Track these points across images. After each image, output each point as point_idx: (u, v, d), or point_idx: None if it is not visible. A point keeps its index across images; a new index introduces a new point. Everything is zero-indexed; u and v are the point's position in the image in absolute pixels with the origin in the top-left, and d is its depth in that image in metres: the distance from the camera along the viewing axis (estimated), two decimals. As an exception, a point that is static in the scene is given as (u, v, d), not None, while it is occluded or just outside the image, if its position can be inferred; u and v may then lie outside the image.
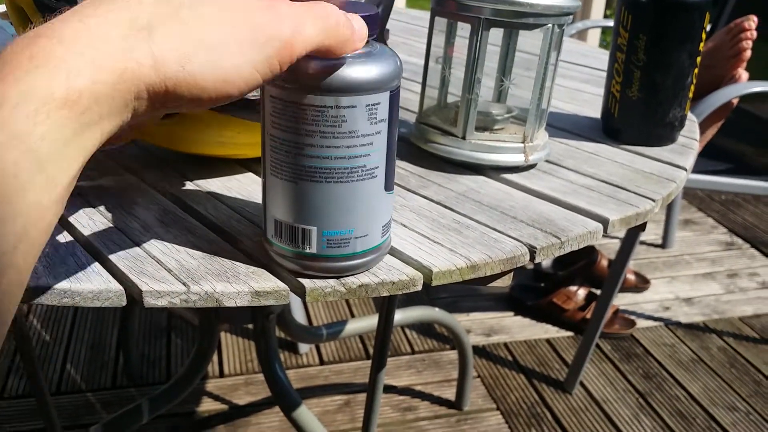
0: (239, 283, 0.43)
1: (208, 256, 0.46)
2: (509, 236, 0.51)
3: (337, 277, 0.45)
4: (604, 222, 0.54)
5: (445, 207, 0.56)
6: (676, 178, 0.64)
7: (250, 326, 1.75)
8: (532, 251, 0.50)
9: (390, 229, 0.47)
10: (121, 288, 0.42)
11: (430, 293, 1.93)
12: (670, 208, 2.20)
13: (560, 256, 2.06)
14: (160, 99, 0.30)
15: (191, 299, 0.42)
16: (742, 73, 1.39)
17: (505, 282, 0.51)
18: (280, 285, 0.44)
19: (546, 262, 2.07)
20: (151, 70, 0.29)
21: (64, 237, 0.48)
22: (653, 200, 0.59)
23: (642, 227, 0.59)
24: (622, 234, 1.82)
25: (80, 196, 0.55)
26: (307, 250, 0.44)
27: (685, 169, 0.66)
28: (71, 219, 0.51)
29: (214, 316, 1.03)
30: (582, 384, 1.60)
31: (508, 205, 0.57)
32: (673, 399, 1.56)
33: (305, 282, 0.44)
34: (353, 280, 0.45)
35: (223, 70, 0.31)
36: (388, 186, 0.44)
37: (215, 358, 1.64)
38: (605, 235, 0.54)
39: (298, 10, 0.33)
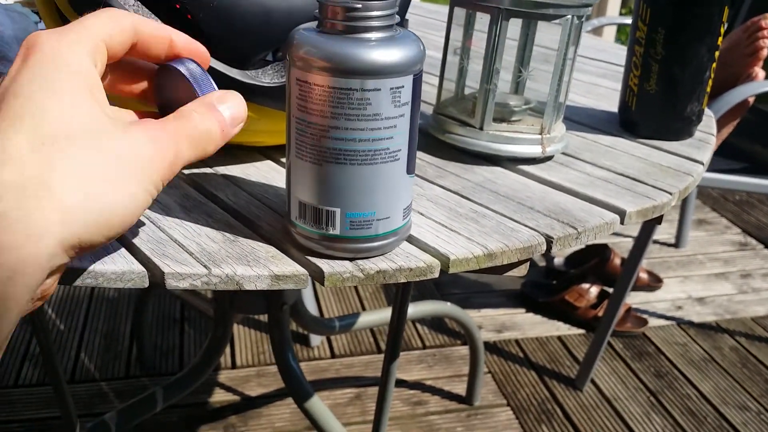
0: (259, 267, 0.44)
1: (229, 240, 0.47)
2: (526, 226, 0.51)
3: (360, 258, 0.45)
4: (621, 214, 0.54)
5: (462, 197, 0.56)
6: (693, 172, 0.64)
7: (263, 318, 1.76)
8: (549, 241, 0.50)
9: (411, 212, 0.48)
10: (144, 270, 0.43)
11: (442, 289, 1.93)
12: (683, 208, 2.19)
13: (572, 254, 2.06)
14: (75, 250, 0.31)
15: (212, 282, 0.43)
16: (759, 72, 1.39)
17: (521, 271, 0.51)
18: (299, 269, 0.44)
19: (558, 259, 2.07)
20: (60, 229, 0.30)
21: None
22: (670, 193, 0.59)
23: (658, 220, 0.59)
24: (635, 232, 1.81)
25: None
26: (331, 232, 0.44)
27: (702, 164, 0.66)
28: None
29: (228, 306, 1.04)
30: (593, 381, 1.59)
31: (525, 195, 0.57)
32: (684, 398, 1.56)
33: (324, 266, 0.45)
34: (371, 266, 0.45)
35: (129, 212, 0.33)
36: (410, 169, 0.45)
37: (228, 349, 1.65)
38: (622, 226, 0.54)
39: (175, 136, 0.36)
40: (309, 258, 0.46)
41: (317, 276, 0.45)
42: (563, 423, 1.47)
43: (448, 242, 0.49)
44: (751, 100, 1.41)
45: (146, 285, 0.43)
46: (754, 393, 1.58)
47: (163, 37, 0.39)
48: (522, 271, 0.51)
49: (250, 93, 0.52)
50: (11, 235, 0.28)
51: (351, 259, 0.46)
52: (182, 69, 0.40)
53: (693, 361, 1.68)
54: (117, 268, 0.43)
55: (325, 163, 0.42)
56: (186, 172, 0.58)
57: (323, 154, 0.42)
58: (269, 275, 0.44)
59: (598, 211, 0.54)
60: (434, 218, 0.52)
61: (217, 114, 0.39)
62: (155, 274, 0.43)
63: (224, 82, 0.51)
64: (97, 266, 0.43)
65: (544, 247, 0.50)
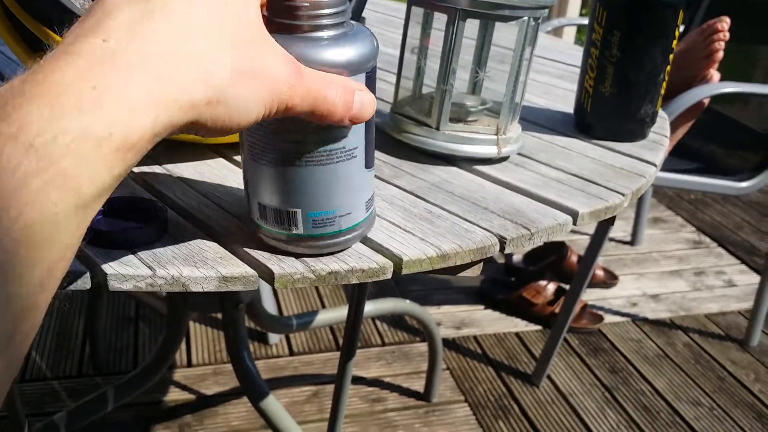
0: (206, 268, 0.43)
1: (176, 241, 0.46)
2: (480, 227, 0.51)
3: (326, 255, 0.45)
4: (574, 215, 0.54)
5: (418, 197, 0.56)
6: (646, 173, 0.64)
7: (220, 316, 1.74)
8: (502, 242, 0.50)
9: (374, 203, 0.48)
10: (87, 271, 0.42)
11: (401, 286, 1.93)
12: (639, 206, 2.22)
13: (530, 252, 2.08)
14: (185, 129, 0.30)
15: (157, 283, 0.42)
16: (714, 74, 1.41)
17: (474, 272, 0.51)
18: (249, 271, 0.44)
19: (516, 256, 2.09)
20: (189, 111, 0.29)
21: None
22: (623, 194, 0.59)
23: (611, 221, 0.60)
24: (591, 230, 1.84)
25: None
26: (294, 232, 0.44)
27: (655, 165, 0.67)
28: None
29: (182, 305, 1.02)
30: (549, 377, 1.61)
31: (480, 196, 0.57)
32: (638, 393, 1.58)
33: (274, 268, 0.44)
34: (323, 267, 0.45)
35: (247, 116, 0.32)
36: (369, 163, 0.44)
37: (183, 347, 1.63)
38: (575, 227, 0.55)
39: (304, 86, 0.35)
40: (258, 259, 0.45)
41: (267, 277, 0.44)
42: (520, 419, 1.49)
43: (401, 243, 0.48)
44: (706, 101, 1.43)
45: (88, 287, 0.41)
46: (706, 389, 1.61)
47: None
48: (475, 271, 0.51)
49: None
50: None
51: (317, 256, 0.45)
52: None
53: (647, 357, 1.71)
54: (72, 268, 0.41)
55: (281, 166, 0.41)
56: (135, 170, 0.56)
57: (279, 157, 0.41)
58: (217, 277, 0.43)
59: (552, 212, 0.54)
60: (389, 219, 0.52)
61: (350, 99, 0.38)
62: (97, 275, 0.41)
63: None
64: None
65: (498, 248, 0.50)
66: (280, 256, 0.45)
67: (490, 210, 0.54)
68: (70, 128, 0.24)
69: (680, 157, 1.72)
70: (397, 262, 0.46)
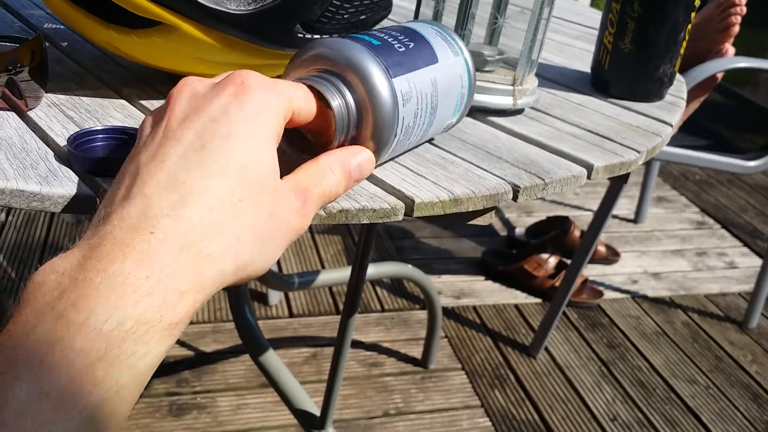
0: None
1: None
2: (493, 174, 0.50)
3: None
4: (589, 167, 0.53)
5: (431, 143, 0.55)
6: (662, 132, 0.63)
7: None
8: (516, 189, 0.49)
9: None
10: (92, 193, 0.41)
11: (403, 254, 1.93)
12: (644, 185, 2.21)
13: (533, 225, 2.07)
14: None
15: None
16: (729, 48, 1.40)
17: (485, 220, 0.50)
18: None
19: (519, 230, 2.08)
20: (222, 283, 0.33)
21: (37, 143, 0.46)
22: (638, 152, 0.58)
23: (624, 179, 0.59)
24: (595, 206, 1.83)
25: (56, 106, 0.53)
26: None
27: (671, 126, 0.65)
28: (45, 127, 0.49)
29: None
30: (547, 349, 1.61)
31: (494, 146, 0.56)
32: (635, 369, 1.59)
33: (284, 202, 0.43)
34: (333, 204, 0.44)
35: (270, 262, 0.36)
36: None
37: (183, 304, 1.63)
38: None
39: (316, 206, 0.39)
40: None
41: (277, 211, 0.43)
42: (515, 388, 1.49)
43: (413, 186, 0.47)
44: (720, 76, 1.41)
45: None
46: (703, 367, 1.61)
47: (310, 110, 0.40)
48: (487, 220, 0.50)
49: (214, 20, 0.50)
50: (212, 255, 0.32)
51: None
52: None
53: (645, 334, 1.71)
54: (65, 192, 0.40)
55: None
56: (134, 98, 0.55)
57: None
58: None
59: (566, 164, 0.53)
60: (401, 162, 0.51)
61: (348, 171, 0.41)
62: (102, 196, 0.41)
63: (186, 7, 0.49)
64: (45, 189, 0.40)
65: (510, 196, 0.49)
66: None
67: (503, 159, 0.53)
68: (129, 316, 0.29)
69: (689, 133, 1.71)
70: (409, 203, 0.45)
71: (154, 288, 0.30)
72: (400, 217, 0.45)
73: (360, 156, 0.41)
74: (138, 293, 0.29)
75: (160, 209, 0.31)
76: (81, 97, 0.55)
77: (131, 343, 0.28)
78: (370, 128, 0.42)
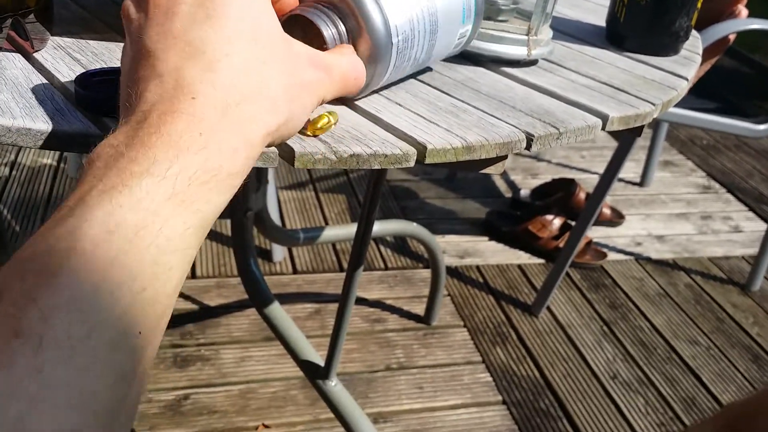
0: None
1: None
2: (507, 123, 0.49)
3: None
4: (604, 118, 0.52)
5: (443, 92, 0.54)
6: (677, 86, 0.62)
7: (226, 231, 1.74)
8: (529, 138, 0.48)
9: None
10: (100, 132, 0.40)
11: (408, 214, 1.93)
12: (650, 148, 2.20)
13: (538, 187, 2.06)
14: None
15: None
16: (742, 10, 1.37)
17: (498, 169, 0.50)
18: (269, 147, 0.42)
19: (524, 191, 2.08)
20: (267, 140, 0.36)
21: (43, 84, 0.45)
22: (653, 104, 0.57)
23: (638, 132, 0.58)
24: (601, 169, 1.82)
25: (62, 49, 0.52)
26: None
27: (687, 80, 0.64)
28: (51, 68, 0.48)
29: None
30: (549, 309, 1.62)
31: (507, 95, 0.55)
32: (636, 329, 1.60)
33: (295, 146, 0.42)
34: (345, 149, 0.43)
35: (301, 122, 0.40)
36: None
37: (187, 258, 1.63)
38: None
39: (337, 80, 0.43)
40: (280, 136, 0.43)
41: (287, 155, 0.43)
42: (517, 346, 1.50)
43: (426, 132, 0.46)
44: (732, 38, 1.39)
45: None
46: (705, 329, 1.62)
47: None
48: (499, 168, 0.50)
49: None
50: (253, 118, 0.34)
51: None
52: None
53: (648, 295, 1.72)
54: (72, 130, 0.40)
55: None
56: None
57: None
58: (237, 149, 0.41)
59: (581, 114, 0.52)
60: (413, 109, 0.50)
61: (356, 62, 0.44)
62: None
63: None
64: (51, 127, 0.40)
65: (524, 144, 0.48)
66: (300, 136, 0.44)
67: (517, 108, 0.52)
68: (191, 163, 0.30)
69: (698, 96, 1.69)
70: (421, 150, 0.45)
71: (208, 142, 0.31)
72: (412, 163, 0.45)
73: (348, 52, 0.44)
74: (195, 146, 0.30)
75: (191, 78, 0.32)
76: (87, 41, 0.54)
77: (196, 188, 0.30)
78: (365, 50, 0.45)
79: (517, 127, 0.49)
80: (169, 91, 0.32)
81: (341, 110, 0.49)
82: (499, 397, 1.36)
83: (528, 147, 0.48)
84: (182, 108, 0.31)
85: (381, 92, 0.52)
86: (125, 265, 0.27)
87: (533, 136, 0.48)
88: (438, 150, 0.45)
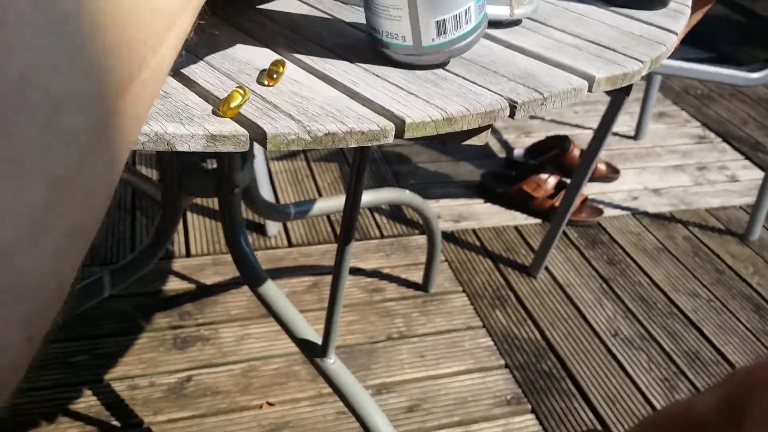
0: (193, 126, 0.39)
1: (160, 97, 0.42)
2: (489, 90, 0.47)
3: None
4: (590, 79, 0.50)
5: (421, 60, 0.52)
6: (666, 41, 0.60)
7: (217, 207, 1.72)
8: (513, 105, 0.46)
9: None
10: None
11: (400, 180, 1.91)
12: (644, 100, 2.17)
13: (532, 145, 2.04)
14: None
15: (139, 140, 0.38)
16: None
17: (481, 140, 0.48)
18: (239, 129, 0.40)
19: (517, 150, 2.05)
20: None
21: None
22: (641, 62, 0.55)
23: (627, 91, 0.56)
24: (595, 124, 1.79)
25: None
26: (468, 28, 0.47)
27: (676, 34, 0.62)
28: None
29: (177, 187, 0.99)
30: (547, 269, 1.61)
31: (489, 60, 0.53)
32: (635, 285, 1.59)
33: (266, 127, 0.40)
34: (319, 127, 0.41)
35: None
36: None
37: (182, 238, 1.62)
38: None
39: None
40: (249, 118, 0.41)
41: (258, 138, 0.41)
42: (516, 308, 1.49)
43: (404, 105, 0.44)
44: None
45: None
46: (704, 281, 1.61)
47: None
48: (482, 139, 0.48)
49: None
50: None
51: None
52: None
53: (646, 249, 1.71)
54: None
55: None
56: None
57: None
58: (204, 135, 0.39)
59: (566, 76, 0.50)
60: (390, 80, 0.48)
61: None
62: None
63: None
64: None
65: (507, 112, 0.46)
66: (272, 115, 0.42)
67: (500, 74, 0.50)
68: None
69: (690, 46, 1.66)
70: (399, 124, 0.43)
71: None
72: (391, 139, 0.43)
73: None
74: None
75: None
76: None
77: None
78: None
79: (499, 94, 0.47)
80: None
81: (316, 83, 0.47)
82: (502, 361, 1.36)
83: (511, 115, 0.46)
84: None
85: (359, 63, 0.50)
86: None
87: (516, 103, 0.46)
88: (417, 124, 0.43)
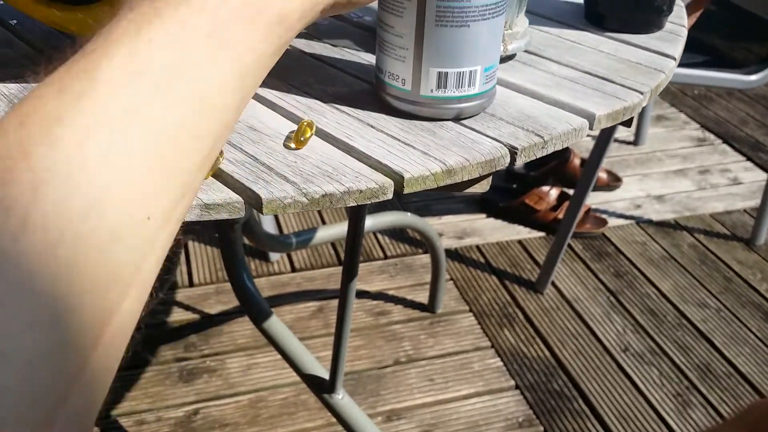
0: (186, 196, 0.38)
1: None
2: (487, 136, 0.46)
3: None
4: (590, 118, 0.49)
5: (417, 105, 0.51)
6: (665, 68, 0.59)
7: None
8: (513, 152, 0.45)
9: None
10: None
11: (401, 197, 1.90)
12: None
13: (533, 157, 2.03)
14: (327, 11, 0.32)
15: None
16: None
17: (483, 187, 0.47)
18: (233, 196, 0.39)
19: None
20: None
21: None
22: (641, 93, 0.54)
23: (627, 123, 0.55)
24: (596, 132, 1.78)
25: (6, 98, 0.48)
26: (470, 92, 0.46)
27: (674, 59, 0.61)
28: None
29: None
30: (553, 284, 1.60)
31: (486, 101, 0.51)
32: (644, 297, 1.57)
33: (261, 192, 0.39)
34: (315, 189, 0.40)
35: None
36: None
37: (184, 268, 1.61)
38: (590, 132, 0.50)
39: None
40: (243, 183, 0.40)
41: (254, 203, 0.40)
42: (525, 326, 1.48)
43: (402, 158, 0.43)
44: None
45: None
46: (713, 290, 1.60)
47: None
48: (484, 186, 0.47)
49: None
50: None
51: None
52: None
53: (652, 259, 1.69)
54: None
55: (472, 23, 0.43)
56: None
57: (472, 14, 0.43)
58: (197, 204, 0.38)
59: (565, 116, 0.49)
60: (386, 130, 0.47)
61: None
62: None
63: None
64: None
65: (508, 160, 0.45)
66: (266, 178, 0.41)
67: (497, 117, 0.49)
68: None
69: (685, 50, 1.65)
70: (398, 180, 0.42)
71: None
72: (390, 196, 0.42)
73: None
74: None
75: None
76: (35, 84, 0.51)
77: (235, 30, 0.25)
78: None
79: (498, 140, 0.46)
80: None
81: (311, 141, 0.46)
82: (512, 382, 1.34)
83: (512, 162, 0.45)
84: None
85: (352, 114, 0.49)
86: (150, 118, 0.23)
87: (517, 149, 0.45)
88: (416, 178, 0.42)
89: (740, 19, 2.01)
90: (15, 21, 0.63)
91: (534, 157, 0.46)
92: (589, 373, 1.37)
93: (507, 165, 0.45)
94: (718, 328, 1.48)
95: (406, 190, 0.42)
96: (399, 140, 0.45)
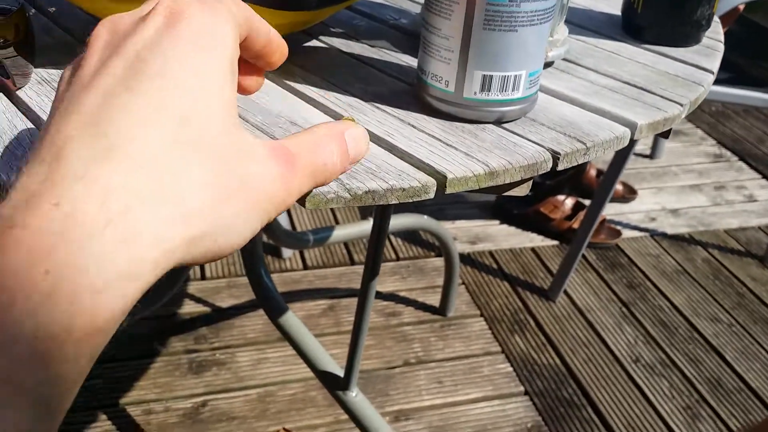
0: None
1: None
2: (530, 140, 0.46)
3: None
4: (632, 126, 0.49)
5: (457, 106, 0.51)
6: (703, 81, 0.59)
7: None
8: (555, 157, 0.45)
9: None
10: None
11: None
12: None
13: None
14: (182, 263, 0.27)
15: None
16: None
17: (523, 191, 0.46)
18: (279, 189, 0.39)
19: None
20: (167, 261, 0.25)
21: (28, 128, 0.42)
22: (681, 104, 0.54)
23: (666, 134, 0.55)
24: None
25: (47, 83, 0.49)
26: (513, 96, 0.46)
27: (713, 73, 0.61)
28: (36, 108, 0.45)
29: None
30: (566, 292, 1.59)
31: (526, 106, 0.51)
32: (656, 309, 1.57)
33: (307, 186, 0.39)
34: (359, 185, 0.40)
35: (240, 236, 0.28)
36: None
37: (196, 260, 1.61)
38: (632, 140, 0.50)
39: (303, 176, 0.31)
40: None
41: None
42: (536, 333, 1.48)
43: (444, 158, 0.43)
44: (741, 7, 1.35)
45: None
46: (725, 305, 1.59)
47: (265, 31, 0.32)
48: (524, 190, 0.47)
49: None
50: (138, 236, 0.23)
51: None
52: None
53: (665, 272, 1.69)
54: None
55: (520, 28, 0.44)
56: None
57: (520, 19, 0.43)
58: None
59: (607, 124, 0.49)
60: (428, 131, 0.47)
61: (343, 146, 0.33)
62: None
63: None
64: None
65: (550, 165, 0.45)
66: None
67: (538, 122, 0.49)
68: (22, 335, 0.20)
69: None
70: (441, 179, 0.42)
71: (57, 289, 0.21)
72: (432, 195, 0.42)
73: (354, 130, 0.34)
74: (32, 301, 0.21)
75: (72, 170, 0.23)
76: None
77: (32, 372, 0.20)
78: None
79: (541, 145, 0.46)
80: (33, 184, 0.23)
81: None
82: (521, 388, 1.34)
83: (555, 167, 0.45)
84: (32, 221, 0.22)
85: (392, 113, 0.49)
86: None
87: (559, 154, 0.45)
88: (459, 179, 0.42)
89: (761, 38, 2.00)
90: (53, 9, 0.63)
91: (575, 163, 0.46)
92: (599, 382, 1.36)
93: (549, 170, 0.45)
94: (729, 343, 1.48)
95: (449, 190, 0.42)
96: (441, 141, 0.45)
